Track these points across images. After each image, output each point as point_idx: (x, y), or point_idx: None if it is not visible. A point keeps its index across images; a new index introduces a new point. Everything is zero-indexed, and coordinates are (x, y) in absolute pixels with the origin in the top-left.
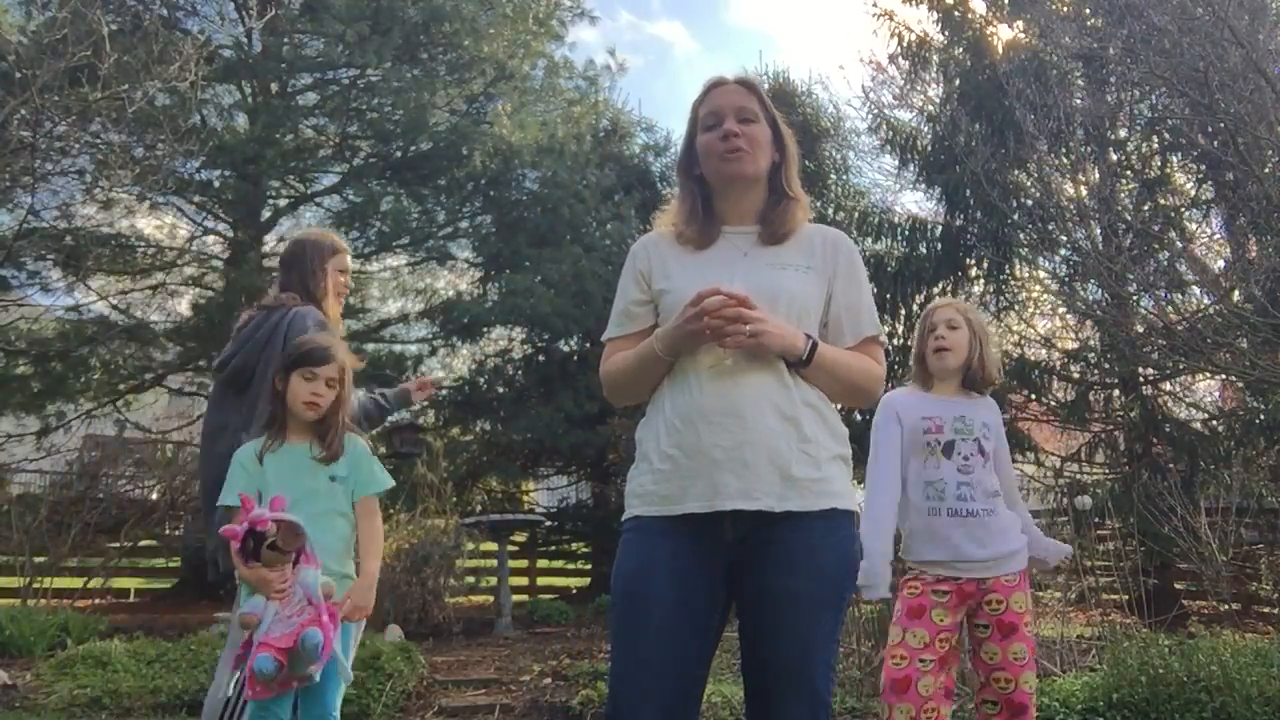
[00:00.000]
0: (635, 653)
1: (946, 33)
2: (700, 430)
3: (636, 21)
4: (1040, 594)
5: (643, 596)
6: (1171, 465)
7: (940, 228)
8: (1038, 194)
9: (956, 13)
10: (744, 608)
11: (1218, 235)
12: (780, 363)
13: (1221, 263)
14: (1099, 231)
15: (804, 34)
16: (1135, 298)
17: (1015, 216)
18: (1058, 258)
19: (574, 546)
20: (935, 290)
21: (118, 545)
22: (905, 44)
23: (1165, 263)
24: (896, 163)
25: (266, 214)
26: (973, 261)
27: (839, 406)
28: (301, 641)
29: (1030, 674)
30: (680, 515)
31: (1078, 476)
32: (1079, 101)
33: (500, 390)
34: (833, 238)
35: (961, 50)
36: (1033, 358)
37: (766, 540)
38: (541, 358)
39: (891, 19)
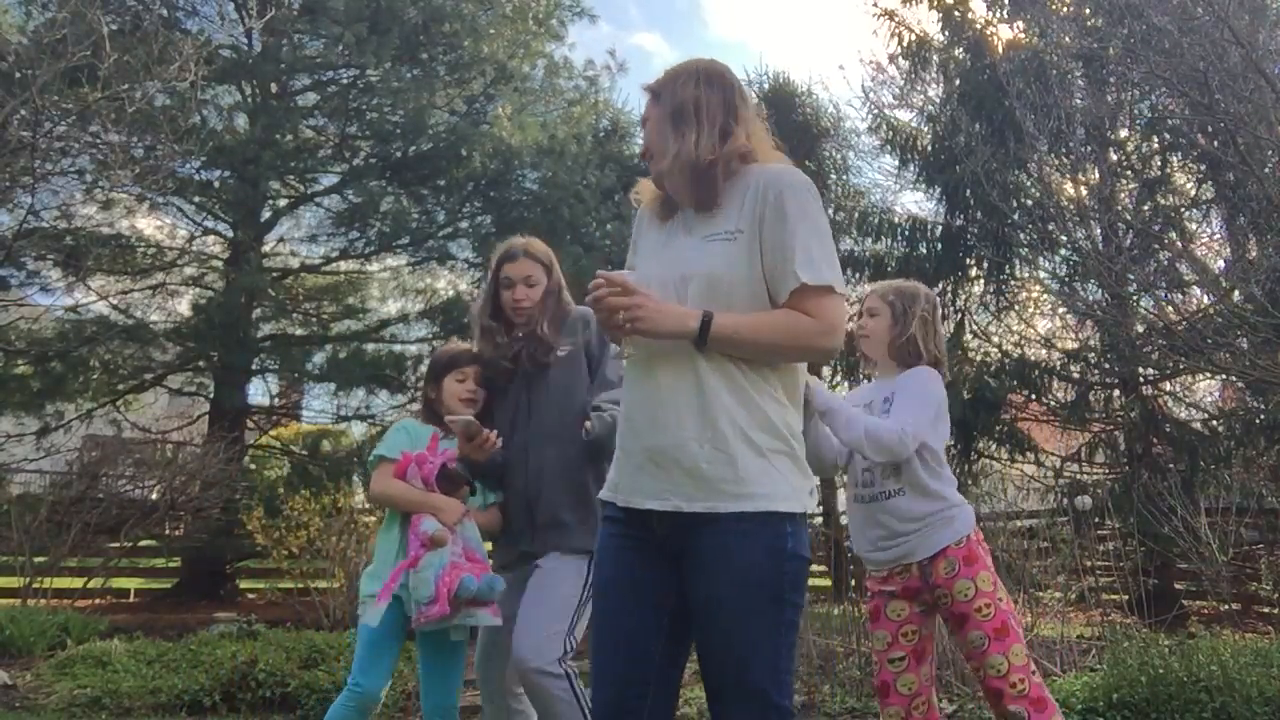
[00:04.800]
0: (597, 637)
1: (947, 33)
2: (626, 430)
3: (616, 32)
4: (1040, 594)
5: (601, 580)
6: (1171, 465)
7: (940, 228)
8: (1038, 194)
9: (957, 13)
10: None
11: (1218, 235)
12: (693, 351)
13: (1221, 263)
14: (1099, 231)
15: (783, 46)
16: (1135, 298)
17: (1015, 216)
18: (1058, 258)
19: None
20: (935, 290)
21: (118, 545)
22: (905, 44)
23: (1165, 263)
24: (896, 163)
25: (266, 214)
26: (973, 261)
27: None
28: (491, 584)
29: (996, 656)
30: (625, 505)
31: (1078, 476)
32: (1079, 101)
33: None
34: (765, 181)
35: (962, 50)
36: (1033, 358)
37: (687, 544)
38: None
39: (892, 19)
